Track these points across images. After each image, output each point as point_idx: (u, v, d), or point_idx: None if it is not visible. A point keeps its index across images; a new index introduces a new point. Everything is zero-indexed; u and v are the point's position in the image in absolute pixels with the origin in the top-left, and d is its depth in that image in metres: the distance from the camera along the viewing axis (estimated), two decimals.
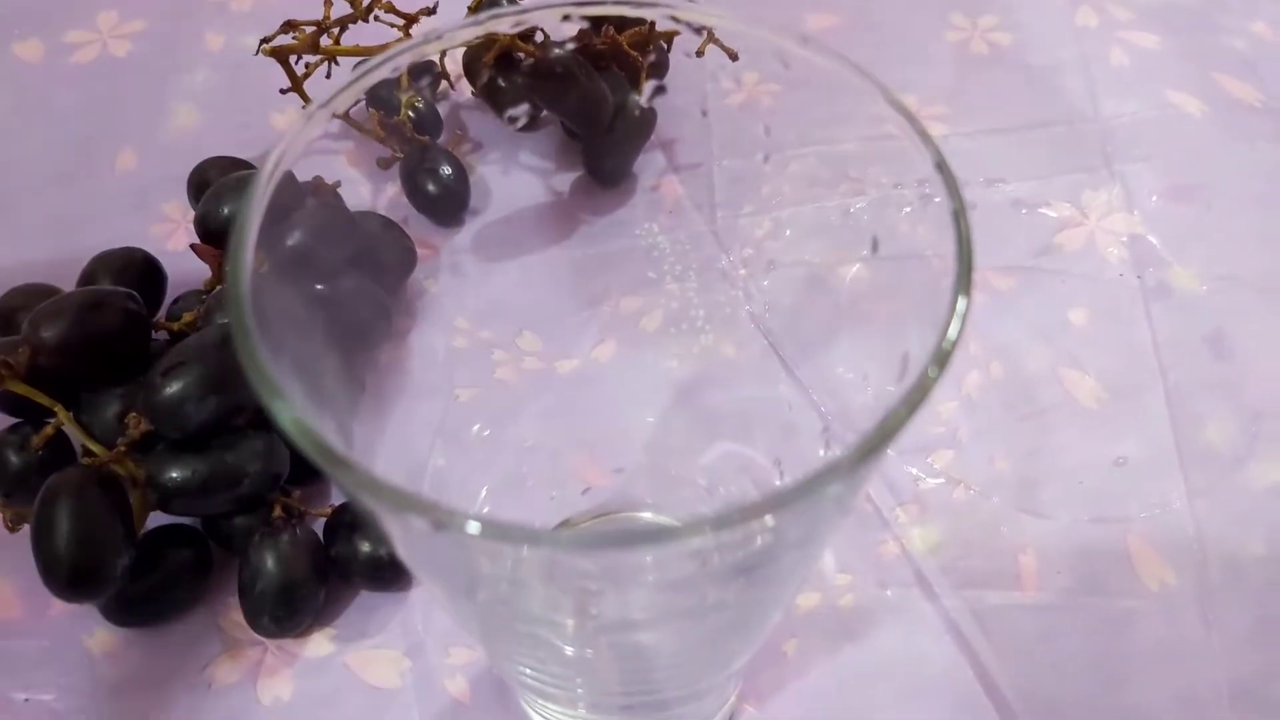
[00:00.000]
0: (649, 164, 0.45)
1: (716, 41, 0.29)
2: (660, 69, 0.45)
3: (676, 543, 0.16)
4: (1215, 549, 0.38)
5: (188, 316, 0.39)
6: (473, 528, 0.16)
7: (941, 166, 0.19)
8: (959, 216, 0.18)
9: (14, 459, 0.36)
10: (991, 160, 0.49)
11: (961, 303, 0.17)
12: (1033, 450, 0.40)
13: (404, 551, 0.23)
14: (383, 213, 0.36)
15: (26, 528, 0.33)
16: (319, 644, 0.36)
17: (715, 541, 0.16)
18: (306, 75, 0.46)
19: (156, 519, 0.36)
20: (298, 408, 0.19)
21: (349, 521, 0.36)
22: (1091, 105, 0.51)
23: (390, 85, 0.45)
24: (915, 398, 0.16)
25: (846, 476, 0.16)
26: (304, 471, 0.37)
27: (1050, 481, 0.39)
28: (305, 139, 0.22)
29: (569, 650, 0.23)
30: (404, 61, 0.24)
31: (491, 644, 0.27)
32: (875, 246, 0.24)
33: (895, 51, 0.53)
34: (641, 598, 0.20)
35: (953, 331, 0.17)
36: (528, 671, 0.26)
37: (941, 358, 0.17)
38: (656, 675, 0.27)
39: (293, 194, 0.23)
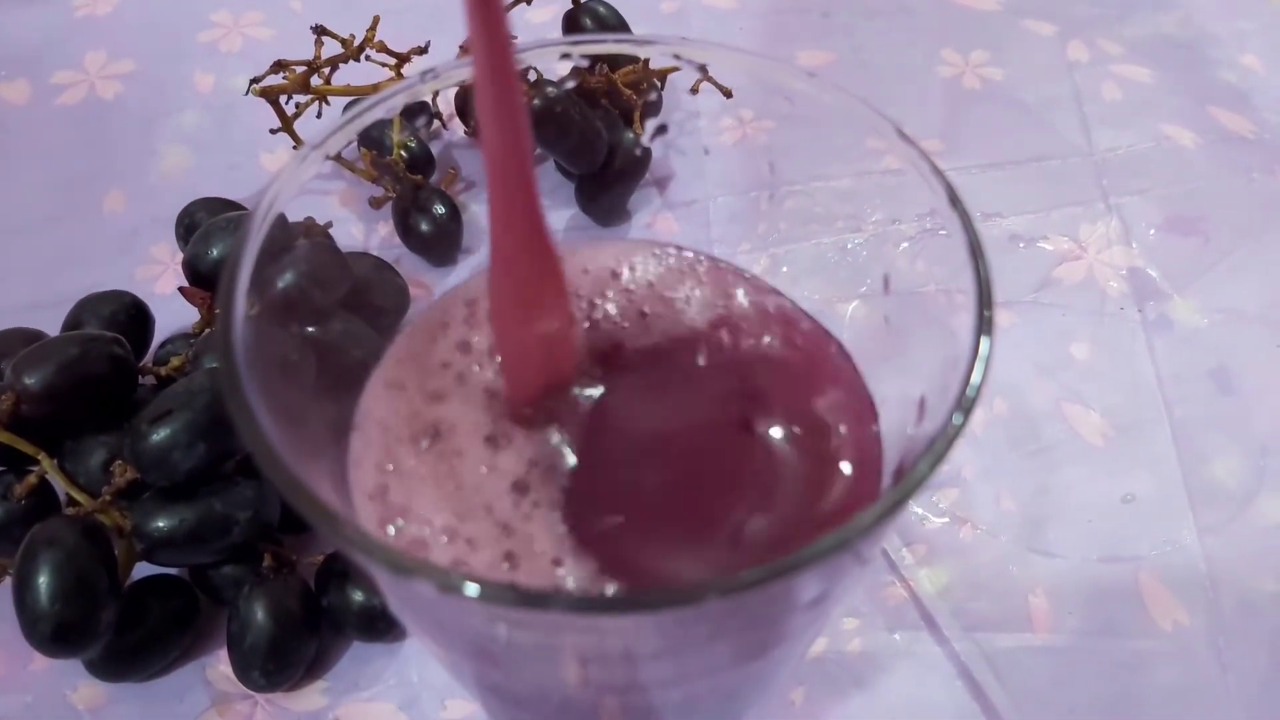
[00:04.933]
0: (644, 201, 0.44)
1: (710, 79, 0.29)
2: (656, 107, 0.44)
3: (688, 606, 0.15)
4: (1228, 587, 0.37)
5: (175, 361, 0.38)
6: (471, 590, 0.16)
7: (956, 202, 0.19)
8: (976, 252, 0.18)
9: None
10: (987, 195, 0.48)
11: (984, 345, 0.17)
12: (1039, 488, 0.39)
13: (399, 609, 0.22)
14: (375, 253, 0.35)
15: (8, 580, 0.32)
16: (310, 697, 0.35)
17: (728, 604, 0.15)
18: (297, 115, 0.45)
19: (142, 569, 0.35)
20: (288, 459, 0.18)
21: (341, 570, 0.35)
22: (1085, 139, 0.51)
23: (383, 125, 0.45)
24: (941, 447, 0.15)
25: (869, 532, 0.15)
26: (295, 519, 0.37)
27: (1058, 520, 0.38)
28: (298, 180, 0.21)
29: (572, 708, 0.22)
30: (398, 102, 0.23)
31: (490, 699, 0.26)
32: (886, 285, 0.24)
33: (887, 88, 0.53)
34: (649, 658, 0.19)
35: (976, 377, 0.16)
36: None
37: (968, 405, 0.16)
38: None
39: (284, 235, 0.22)
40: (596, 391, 0.24)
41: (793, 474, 0.22)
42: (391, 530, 0.22)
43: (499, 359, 0.25)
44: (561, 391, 0.24)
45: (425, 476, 0.23)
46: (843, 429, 0.23)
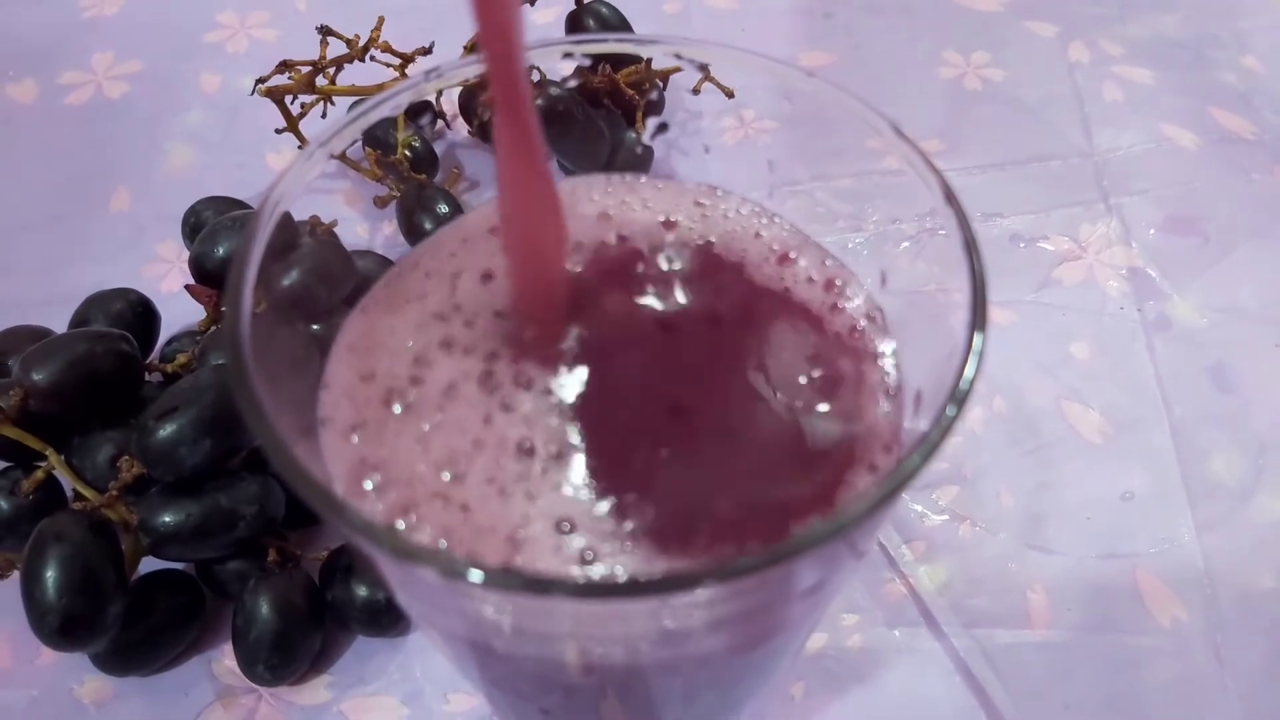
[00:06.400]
0: None
1: (712, 79, 0.29)
2: (658, 106, 0.45)
3: (685, 592, 0.15)
4: (1225, 584, 0.37)
5: (182, 358, 0.38)
6: (475, 575, 0.16)
7: (951, 198, 0.19)
8: (971, 249, 0.18)
9: (4, 504, 0.35)
10: (988, 195, 0.49)
11: (978, 340, 0.17)
12: (1039, 485, 0.39)
13: (404, 598, 0.22)
14: (379, 251, 0.35)
15: (16, 574, 0.33)
16: (315, 692, 0.35)
17: (725, 590, 0.15)
18: (302, 115, 0.46)
19: (149, 564, 0.35)
20: (295, 451, 0.18)
21: (346, 565, 0.36)
22: (1086, 139, 0.51)
23: (387, 124, 0.46)
24: (935, 438, 0.16)
25: (863, 521, 0.16)
26: (300, 514, 0.37)
27: (1057, 517, 0.39)
28: (304, 179, 0.22)
29: (575, 698, 0.23)
30: (403, 101, 0.24)
31: (493, 691, 0.27)
32: (884, 281, 0.24)
33: (889, 88, 0.53)
34: (650, 644, 0.19)
35: (970, 370, 0.16)
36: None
37: (961, 397, 0.16)
38: None
39: (290, 233, 0.23)
40: (601, 343, 0.23)
41: (805, 442, 0.21)
42: (369, 485, 0.21)
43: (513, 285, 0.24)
44: (565, 334, 0.23)
45: (400, 433, 0.22)
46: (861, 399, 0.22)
